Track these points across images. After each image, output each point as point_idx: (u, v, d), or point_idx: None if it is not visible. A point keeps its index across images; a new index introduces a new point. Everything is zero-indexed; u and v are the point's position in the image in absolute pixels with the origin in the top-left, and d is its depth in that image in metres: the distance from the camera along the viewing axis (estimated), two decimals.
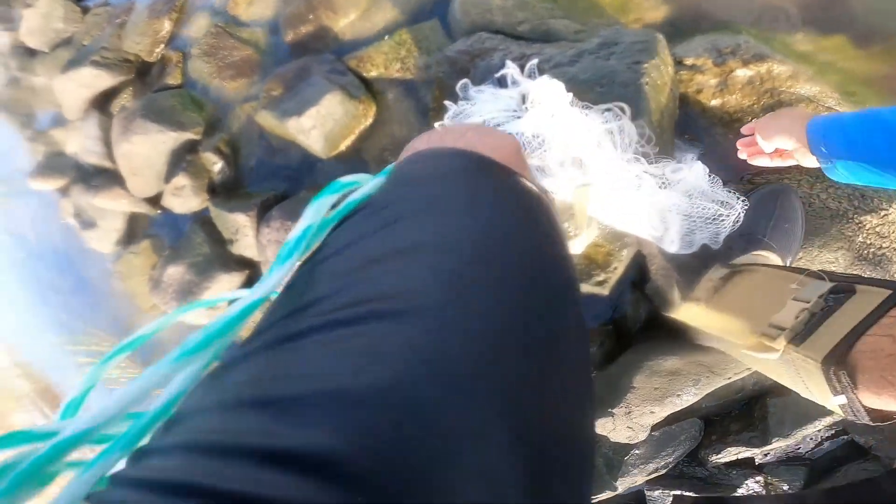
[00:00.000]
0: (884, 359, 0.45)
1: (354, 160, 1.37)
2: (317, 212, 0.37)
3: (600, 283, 1.06)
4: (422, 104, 1.31)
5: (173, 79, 1.98)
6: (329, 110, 1.28)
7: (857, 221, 0.93)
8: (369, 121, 1.36)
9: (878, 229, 0.93)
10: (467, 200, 0.33)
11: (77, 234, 2.35)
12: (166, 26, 2.04)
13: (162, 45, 2.06)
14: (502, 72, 1.05)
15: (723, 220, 0.88)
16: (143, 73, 2.13)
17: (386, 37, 1.38)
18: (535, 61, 1.06)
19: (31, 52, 2.84)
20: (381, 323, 0.25)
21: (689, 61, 1.13)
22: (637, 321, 1.13)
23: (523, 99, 1.03)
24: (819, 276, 0.61)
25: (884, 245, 0.93)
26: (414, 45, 1.33)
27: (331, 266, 0.32)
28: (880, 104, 1.05)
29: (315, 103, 1.26)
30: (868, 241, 0.93)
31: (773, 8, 1.15)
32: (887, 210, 0.92)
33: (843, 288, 0.56)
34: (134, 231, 2.14)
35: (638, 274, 1.11)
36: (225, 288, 1.58)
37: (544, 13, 1.25)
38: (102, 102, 2.15)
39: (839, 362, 0.48)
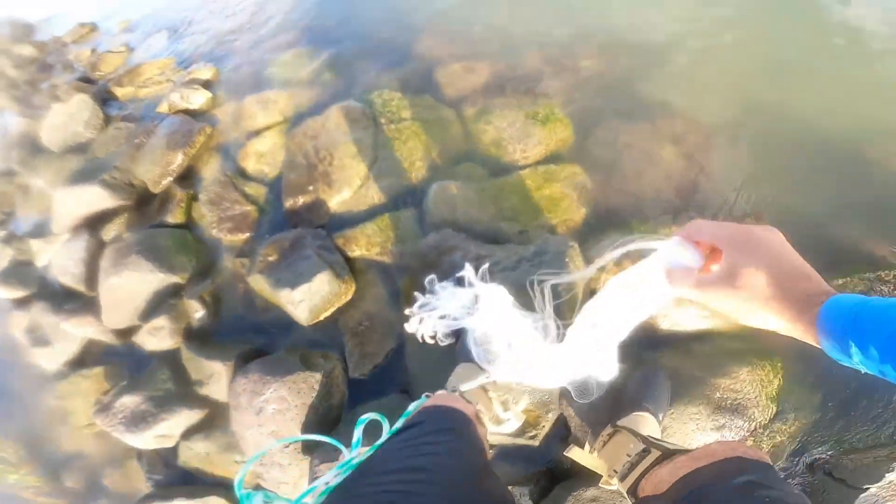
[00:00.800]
0: (656, 482, 0.77)
1: (330, 329, 1.61)
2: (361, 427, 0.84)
3: (532, 437, 1.33)
4: (394, 288, 1.60)
5: (173, 217, 2.18)
6: (318, 287, 1.55)
7: (712, 384, 1.25)
8: (348, 297, 1.63)
9: (731, 387, 1.26)
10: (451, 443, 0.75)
11: (18, 344, 2.32)
12: (179, 160, 2.30)
13: (169, 179, 2.29)
14: (460, 273, 1.36)
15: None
16: (143, 202, 2.31)
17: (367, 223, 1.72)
18: (486, 265, 1.38)
19: (38, 149, 2.97)
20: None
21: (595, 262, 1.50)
22: (565, 464, 1.37)
23: (477, 298, 1.33)
24: (643, 441, 0.98)
25: (738, 397, 1.25)
26: (392, 231, 1.66)
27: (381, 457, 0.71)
28: None
29: (308, 280, 1.52)
30: (724, 396, 1.25)
31: (663, 205, 1.58)
32: (738, 373, 1.27)
33: (646, 448, 0.94)
34: (86, 356, 2.15)
35: (564, 428, 1.36)
36: (183, 422, 1.68)
37: (495, 215, 1.63)
38: (94, 224, 2.29)
39: (633, 491, 0.88)
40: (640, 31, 2.10)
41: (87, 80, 3.51)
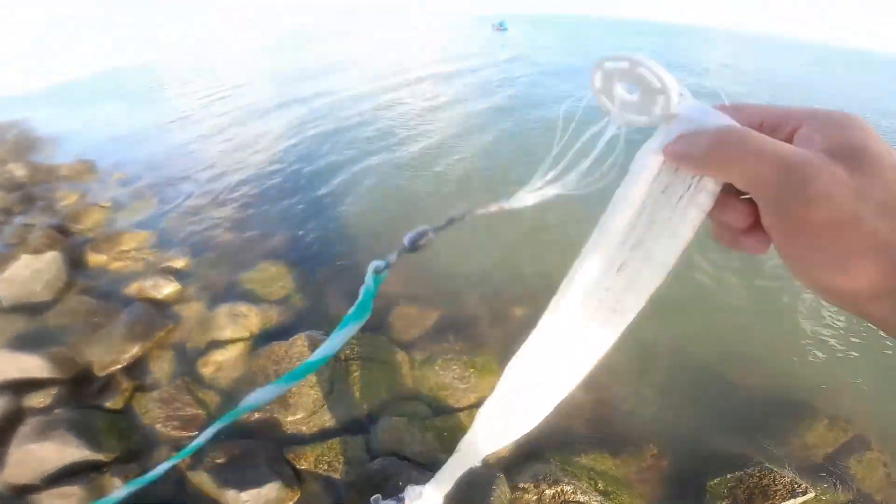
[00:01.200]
0: None
1: None
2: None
3: None
4: (336, 498, 1.83)
5: (113, 402, 2.29)
6: (267, 493, 1.76)
7: None
8: (293, 502, 1.82)
9: None
10: None
11: None
12: (134, 350, 2.46)
13: (117, 367, 2.42)
14: (402, 495, 1.69)
15: None
16: (80, 380, 2.39)
17: (318, 443, 2.02)
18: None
19: None
20: None
21: (521, 485, 1.84)
22: None
23: None
24: None
25: None
26: (340, 453, 1.96)
27: None
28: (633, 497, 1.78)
29: (257, 486, 1.74)
30: None
31: (578, 440, 2.03)
32: None
33: None
34: None
35: None
36: None
37: (436, 448, 1.99)
38: (20, 389, 2.30)
39: None
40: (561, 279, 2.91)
41: (63, 231, 3.75)
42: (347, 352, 2.43)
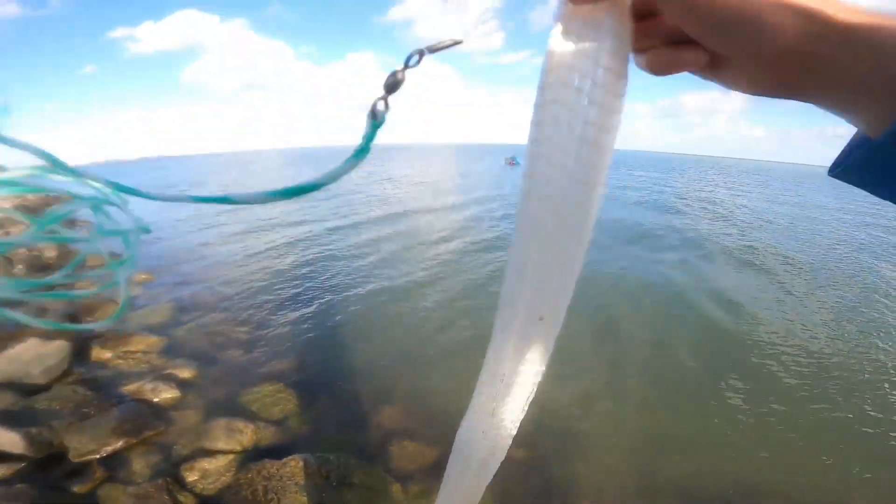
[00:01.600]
0: None
1: None
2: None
3: None
4: None
5: (81, 487, 2.20)
6: None
7: None
8: None
9: None
10: None
11: None
12: (117, 445, 2.41)
13: (95, 457, 2.35)
14: None
15: None
16: (51, 460, 2.34)
17: None
18: None
19: None
20: None
21: None
22: None
23: None
24: None
25: None
26: None
27: None
28: None
29: None
30: None
31: None
32: None
33: None
34: None
35: None
36: None
37: None
38: None
39: None
40: (558, 418, 2.85)
41: (75, 321, 3.81)
42: (341, 478, 2.39)
